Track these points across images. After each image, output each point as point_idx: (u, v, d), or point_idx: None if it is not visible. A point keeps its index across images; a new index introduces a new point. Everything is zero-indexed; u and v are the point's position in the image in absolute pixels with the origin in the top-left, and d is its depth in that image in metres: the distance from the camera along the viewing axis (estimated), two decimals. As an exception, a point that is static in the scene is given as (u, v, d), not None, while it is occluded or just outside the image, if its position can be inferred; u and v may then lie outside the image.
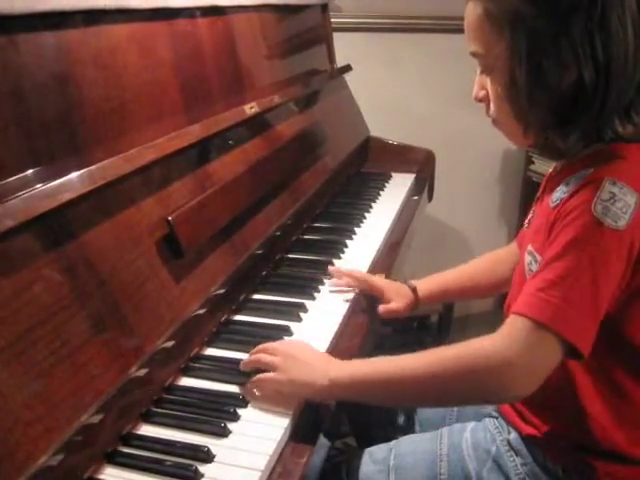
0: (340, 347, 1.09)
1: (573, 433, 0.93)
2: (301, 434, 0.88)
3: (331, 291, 1.27)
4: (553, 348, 0.81)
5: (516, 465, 0.97)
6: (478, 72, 0.95)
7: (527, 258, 0.94)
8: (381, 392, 0.91)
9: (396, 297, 1.25)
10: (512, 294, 1.01)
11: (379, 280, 1.29)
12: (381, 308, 1.23)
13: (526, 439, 0.97)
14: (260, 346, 0.99)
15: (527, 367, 0.82)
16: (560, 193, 0.87)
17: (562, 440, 0.94)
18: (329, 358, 0.96)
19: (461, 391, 0.87)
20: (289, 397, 0.92)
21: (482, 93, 0.95)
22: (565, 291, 0.80)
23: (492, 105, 0.93)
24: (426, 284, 1.29)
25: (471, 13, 0.90)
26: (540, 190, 1.04)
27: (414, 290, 1.27)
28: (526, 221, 1.05)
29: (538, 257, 0.90)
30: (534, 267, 0.90)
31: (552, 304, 0.80)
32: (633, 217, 0.81)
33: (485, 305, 2.90)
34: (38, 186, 0.79)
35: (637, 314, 0.87)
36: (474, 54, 0.93)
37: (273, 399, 0.92)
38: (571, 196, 0.84)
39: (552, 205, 0.88)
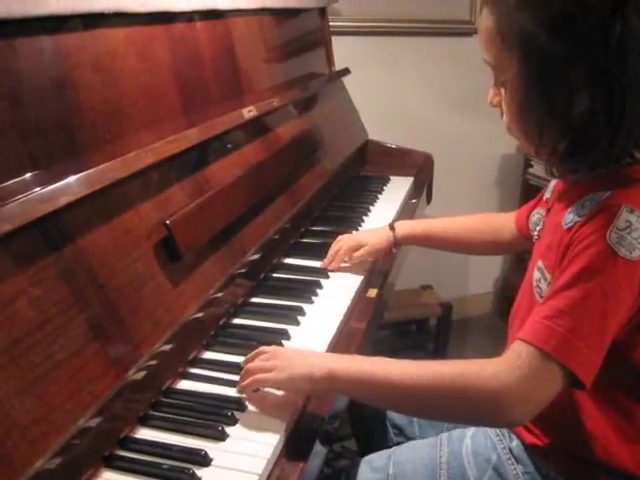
0: (339, 349, 1.09)
1: (576, 449, 0.91)
2: (299, 438, 0.88)
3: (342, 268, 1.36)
4: (555, 378, 0.79)
5: (517, 474, 0.96)
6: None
7: (536, 274, 0.92)
8: (377, 394, 0.87)
9: (370, 239, 1.37)
10: (518, 304, 1.01)
11: (358, 234, 1.45)
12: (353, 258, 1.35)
13: (529, 448, 0.97)
14: (248, 357, 0.96)
15: (525, 395, 0.79)
16: (574, 215, 0.84)
17: (565, 452, 0.93)
18: (322, 353, 0.99)
19: (454, 410, 0.85)
20: (290, 394, 0.91)
21: (497, 99, 0.93)
22: (573, 322, 0.78)
23: (505, 115, 0.92)
24: (409, 225, 1.40)
25: (484, 22, 0.88)
26: (554, 193, 1.02)
27: (392, 228, 1.38)
28: (535, 232, 1.03)
29: (548, 276, 0.88)
30: (543, 285, 0.90)
31: (558, 333, 0.78)
32: None
33: (484, 308, 2.90)
34: (36, 190, 0.79)
35: None
36: (486, 63, 0.92)
37: (273, 401, 0.91)
38: (586, 222, 0.81)
39: (565, 226, 0.85)
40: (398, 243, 1.38)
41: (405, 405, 0.89)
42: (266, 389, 0.93)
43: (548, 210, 1.00)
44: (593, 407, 0.89)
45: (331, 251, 1.37)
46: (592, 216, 0.81)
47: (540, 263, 0.92)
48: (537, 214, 1.10)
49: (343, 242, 1.37)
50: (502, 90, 0.90)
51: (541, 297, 0.90)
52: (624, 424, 0.89)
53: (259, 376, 0.91)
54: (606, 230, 0.79)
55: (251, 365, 0.93)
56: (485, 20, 0.88)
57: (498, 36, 0.86)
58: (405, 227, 1.39)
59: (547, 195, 1.08)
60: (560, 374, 0.79)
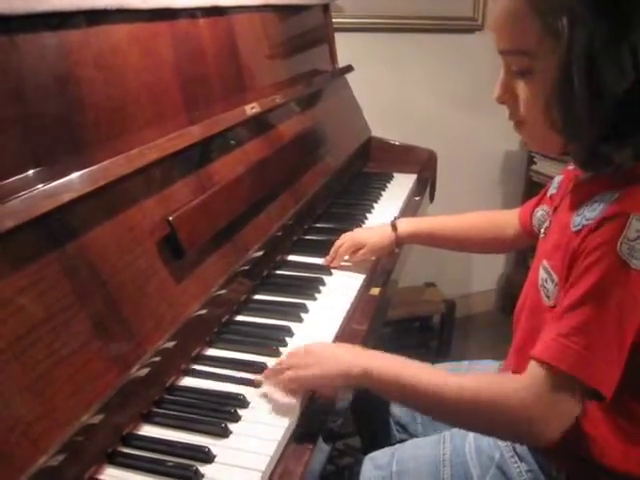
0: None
1: (578, 449, 0.91)
2: (302, 435, 0.88)
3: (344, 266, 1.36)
4: (575, 395, 0.79)
5: (520, 472, 0.96)
6: (502, 72, 0.88)
7: (542, 274, 0.91)
8: (406, 398, 0.90)
9: (372, 237, 1.35)
10: (522, 301, 1.00)
11: (360, 233, 1.41)
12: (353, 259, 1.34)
13: (531, 447, 0.96)
14: (285, 360, 0.96)
15: (547, 415, 0.80)
16: (582, 218, 0.82)
17: (567, 451, 0.92)
18: (356, 348, 0.95)
19: (472, 425, 0.89)
20: (324, 391, 0.94)
21: (507, 96, 0.88)
22: (588, 339, 0.77)
23: (523, 109, 0.87)
24: (411, 224, 1.38)
25: (508, 5, 0.83)
26: (561, 192, 1.00)
27: (394, 226, 1.36)
28: (542, 229, 1.01)
29: (554, 276, 0.88)
30: (549, 285, 0.89)
31: (574, 351, 0.77)
32: None
33: (487, 305, 2.90)
34: (39, 186, 0.79)
35: None
36: (508, 52, 0.86)
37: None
38: (595, 229, 0.79)
39: (573, 229, 0.83)
40: (400, 242, 1.36)
41: (431, 412, 0.92)
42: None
43: (555, 208, 0.98)
44: (595, 408, 0.88)
45: (333, 249, 1.36)
46: (601, 223, 0.79)
47: (546, 263, 0.91)
48: (541, 210, 1.10)
49: (345, 240, 1.36)
50: (520, 82, 0.86)
51: (547, 297, 0.89)
52: (626, 425, 0.88)
53: (298, 373, 0.92)
54: (616, 242, 0.77)
55: (286, 361, 0.95)
56: (511, 1, 0.82)
57: (533, 16, 0.80)
58: (407, 225, 1.37)
59: (552, 191, 1.07)
60: (579, 390, 0.79)
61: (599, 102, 0.77)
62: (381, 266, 1.39)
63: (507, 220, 1.27)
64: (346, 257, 1.36)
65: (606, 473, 0.89)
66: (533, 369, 0.81)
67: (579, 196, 0.87)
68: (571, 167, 1.01)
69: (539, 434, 0.81)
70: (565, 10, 0.77)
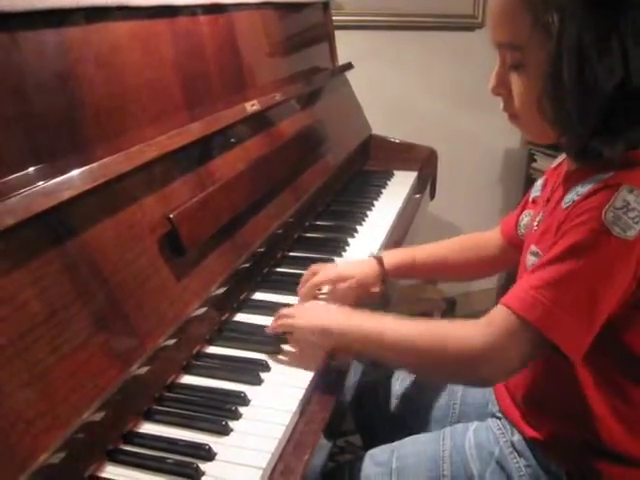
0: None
1: (577, 435, 0.92)
2: (303, 432, 0.88)
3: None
4: (532, 345, 0.82)
5: (520, 467, 0.96)
6: (498, 64, 0.89)
7: (530, 259, 0.92)
8: (375, 353, 0.95)
9: (357, 271, 1.20)
10: None
11: (340, 266, 1.25)
12: (336, 292, 1.19)
13: (530, 441, 0.97)
14: (283, 309, 1.06)
15: (499, 358, 0.83)
16: (573, 194, 0.84)
17: (566, 442, 0.93)
18: (342, 307, 1.02)
19: (432, 366, 0.91)
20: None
21: (502, 88, 0.89)
22: (558, 294, 0.79)
23: (517, 102, 0.88)
24: (396, 256, 1.25)
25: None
26: (547, 187, 1.01)
27: (379, 260, 1.23)
28: (535, 222, 1.01)
29: (542, 255, 0.88)
30: None
31: (542, 304, 0.80)
32: None
33: (488, 303, 2.89)
34: (39, 183, 0.78)
35: (637, 324, 0.86)
36: (502, 45, 0.87)
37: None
38: (584, 198, 0.81)
39: (564, 206, 0.85)
40: (387, 276, 1.23)
41: (393, 359, 0.96)
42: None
43: (547, 200, 0.98)
44: (594, 391, 0.89)
45: (305, 281, 1.19)
46: (590, 194, 0.81)
47: (534, 247, 0.92)
48: (527, 217, 1.10)
49: (318, 273, 1.19)
50: (514, 75, 0.86)
51: None
52: (625, 408, 0.89)
53: (286, 320, 1.03)
54: (602, 208, 0.78)
55: (284, 310, 1.06)
56: None
57: (527, 8, 0.81)
58: (393, 258, 1.25)
59: (534, 194, 1.08)
60: (539, 341, 0.81)
61: (588, 97, 0.79)
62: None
63: (488, 239, 1.24)
64: (325, 289, 1.21)
65: (608, 461, 0.90)
66: (500, 313, 0.83)
67: (571, 182, 0.88)
68: (553, 166, 1.04)
69: (487, 376, 0.87)
70: (555, 5, 0.78)
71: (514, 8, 0.82)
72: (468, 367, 0.86)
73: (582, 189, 0.83)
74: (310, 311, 1.04)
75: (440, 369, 0.91)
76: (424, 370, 0.99)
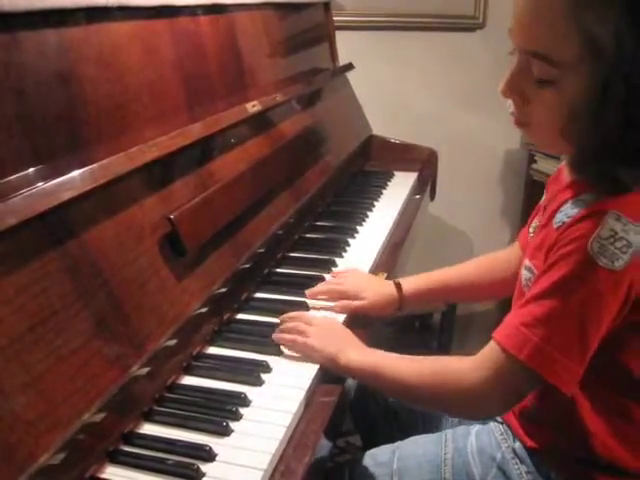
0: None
1: (574, 449, 0.91)
2: (303, 433, 0.88)
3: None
4: (527, 382, 0.83)
5: (521, 473, 0.96)
6: (515, 68, 0.82)
7: (525, 274, 0.92)
8: (378, 386, 1.00)
9: (372, 294, 1.18)
10: (515, 300, 1.00)
11: (362, 281, 1.22)
12: (341, 305, 1.16)
13: (529, 449, 0.97)
14: (294, 314, 1.08)
15: (495, 394, 0.85)
16: (564, 215, 0.83)
17: (564, 455, 0.93)
18: (351, 337, 1.03)
19: (432, 404, 0.96)
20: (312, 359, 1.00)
21: (514, 94, 0.84)
22: (549, 332, 0.79)
23: (536, 116, 0.83)
24: (414, 282, 1.22)
25: (546, 2, 0.76)
26: (547, 195, 1.00)
27: (398, 287, 1.20)
28: (531, 228, 1.01)
29: (537, 274, 0.87)
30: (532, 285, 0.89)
31: (533, 343, 0.79)
32: (634, 257, 0.76)
33: (488, 304, 2.90)
34: (40, 184, 0.78)
35: (633, 345, 0.85)
36: (530, 52, 0.79)
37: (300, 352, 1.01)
38: (572, 225, 0.80)
39: (555, 225, 0.84)
40: (403, 306, 1.21)
41: (398, 396, 1.04)
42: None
43: (545, 207, 0.97)
44: (591, 409, 0.89)
45: (329, 285, 1.21)
46: (578, 219, 0.79)
47: (528, 262, 0.91)
48: (535, 223, 1.09)
49: (349, 282, 1.21)
50: (539, 89, 0.80)
51: None
52: (622, 424, 0.89)
53: (300, 338, 1.01)
54: (588, 238, 0.77)
55: (295, 325, 1.04)
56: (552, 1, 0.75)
57: (574, 28, 0.73)
58: (412, 285, 1.21)
59: (543, 200, 1.07)
60: (532, 379, 0.81)
61: (630, 130, 0.75)
62: (382, 262, 1.39)
63: (510, 256, 1.18)
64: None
65: (607, 473, 0.89)
66: (492, 352, 0.84)
67: (565, 195, 0.87)
68: (556, 174, 1.00)
69: (484, 413, 0.92)
70: (610, 26, 0.71)
71: (559, 20, 0.74)
72: (466, 404, 0.89)
73: (571, 211, 0.81)
74: (327, 336, 1.02)
75: (440, 405, 0.96)
76: (424, 406, 1.05)
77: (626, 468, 0.89)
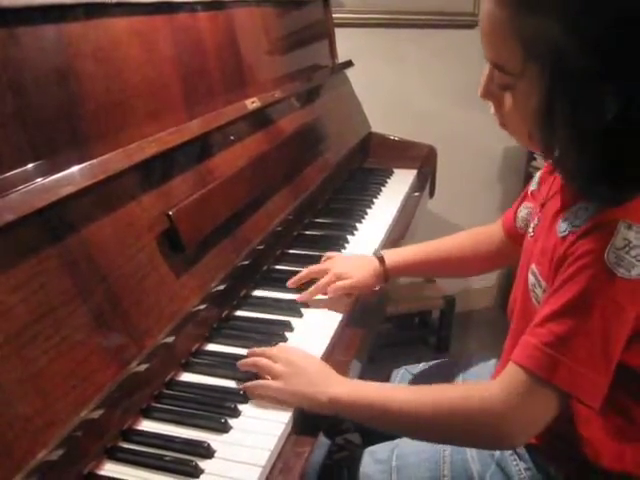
0: (343, 340, 1.09)
1: (573, 447, 0.91)
2: (302, 430, 0.88)
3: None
4: (554, 402, 0.80)
5: (520, 470, 0.96)
6: (487, 68, 0.85)
7: (530, 278, 0.91)
8: (378, 421, 0.91)
9: (357, 272, 1.20)
10: (514, 298, 1.00)
11: (341, 264, 1.23)
12: (330, 288, 1.18)
13: (528, 447, 0.96)
14: (258, 349, 0.98)
15: (524, 421, 0.81)
16: (569, 224, 0.81)
17: (563, 451, 0.93)
18: (329, 372, 0.94)
19: (452, 438, 0.89)
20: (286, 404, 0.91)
21: (489, 96, 0.86)
22: (574, 350, 0.77)
23: (506, 119, 0.86)
24: (398, 254, 1.26)
25: (493, 16, 0.79)
26: (542, 187, 1.00)
27: (380, 260, 1.23)
28: (530, 229, 0.99)
29: (542, 283, 0.87)
30: (538, 290, 0.88)
31: (560, 362, 0.77)
32: None
33: (487, 301, 2.90)
34: (38, 180, 0.78)
35: (635, 344, 0.83)
36: (490, 62, 0.83)
37: (271, 401, 0.91)
38: (581, 236, 0.78)
39: (559, 235, 0.82)
40: (388, 277, 1.23)
41: (406, 431, 0.93)
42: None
43: (542, 205, 0.96)
44: (592, 416, 0.87)
45: (305, 276, 1.23)
46: (588, 231, 0.78)
47: (534, 268, 0.90)
48: (525, 209, 1.08)
49: (333, 267, 1.22)
50: (503, 92, 0.83)
51: (537, 302, 0.88)
52: (621, 423, 0.88)
53: (264, 382, 0.93)
54: (603, 251, 0.76)
55: (259, 361, 0.95)
56: (497, 13, 0.78)
57: (516, 42, 0.77)
58: (394, 257, 1.24)
59: (533, 187, 1.06)
60: (560, 398, 0.79)
61: (581, 138, 0.76)
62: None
63: (490, 233, 1.22)
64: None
65: (601, 474, 0.89)
66: (516, 376, 0.80)
67: (566, 197, 0.86)
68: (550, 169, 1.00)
69: (513, 441, 0.85)
70: (548, 33, 0.73)
71: (504, 32, 0.78)
72: (494, 434, 0.84)
73: (576, 220, 0.81)
74: (297, 375, 0.92)
75: (460, 438, 0.88)
76: (437, 439, 0.93)
77: (626, 467, 0.89)
